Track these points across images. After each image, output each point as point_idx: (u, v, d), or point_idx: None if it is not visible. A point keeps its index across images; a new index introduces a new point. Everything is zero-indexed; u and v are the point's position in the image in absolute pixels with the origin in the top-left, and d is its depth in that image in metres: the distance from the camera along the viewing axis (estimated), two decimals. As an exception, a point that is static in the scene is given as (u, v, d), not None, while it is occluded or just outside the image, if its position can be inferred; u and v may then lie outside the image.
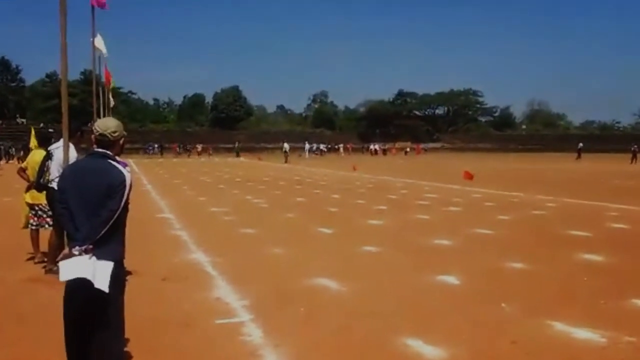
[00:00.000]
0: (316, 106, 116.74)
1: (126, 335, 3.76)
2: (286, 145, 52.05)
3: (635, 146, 48.14)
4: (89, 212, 3.35)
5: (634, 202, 14.70)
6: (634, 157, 46.43)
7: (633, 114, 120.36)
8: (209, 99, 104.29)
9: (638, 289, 6.08)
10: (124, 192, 3.41)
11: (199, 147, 69.73)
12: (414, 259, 7.86)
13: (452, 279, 6.60)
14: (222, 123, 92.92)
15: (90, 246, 3.32)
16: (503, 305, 5.56)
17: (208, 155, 65.30)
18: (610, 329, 4.71)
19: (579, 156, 56.49)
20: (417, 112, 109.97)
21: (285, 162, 45.58)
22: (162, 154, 66.59)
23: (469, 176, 21.28)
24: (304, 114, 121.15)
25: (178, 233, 10.11)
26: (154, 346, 4.45)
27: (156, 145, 70.84)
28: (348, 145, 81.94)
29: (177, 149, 69.57)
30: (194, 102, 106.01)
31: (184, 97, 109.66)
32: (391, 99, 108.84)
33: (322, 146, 78.64)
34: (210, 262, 7.58)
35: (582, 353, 4.29)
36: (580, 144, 60.11)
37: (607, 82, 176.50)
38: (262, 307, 5.47)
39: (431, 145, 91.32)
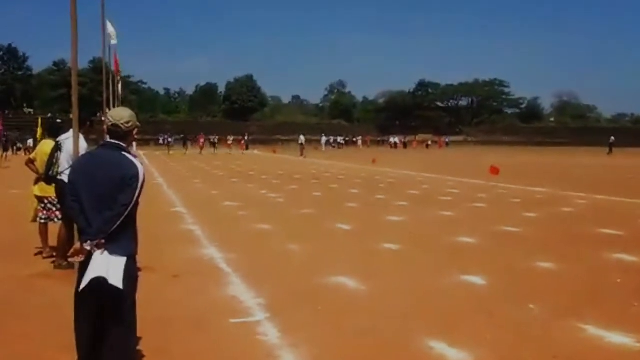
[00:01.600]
0: (333, 97, 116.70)
1: (137, 334, 3.79)
2: (302, 138, 51.89)
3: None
4: (101, 205, 3.38)
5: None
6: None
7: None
8: (221, 89, 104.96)
9: (674, 292, 6.01)
10: (137, 186, 3.43)
11: (230, 139, 62.50)
12: (436, 258, 7.83)
13: (476, 279, 6.57)
14: (235, 114, 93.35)
15: (102, 241, 3.36)
16: (531, 306, 5.52)
17: (242, 149, 57.74)
18: (645, 334, 4.66)
19: (610, 151, 55.86)
20: (439, 104, 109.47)
21: (301, 155, 45.59)
22: (185, 146, 56.13)
23: (495, 171, 21.12)
24: (320, 105, 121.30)
25: (190, 228, 10.18)
26: (165, 346, 4.49)
27: (168, 138, 60.04)
28: (366, 138, 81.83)
29: (201, 141, 55.32)
30: (207, 92, 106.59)
31: (196, 87, 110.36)
32: (412, 90, 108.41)
33: (339, 139, 78.58)
34: (224, 258, 7.62)
35: (615, 359, 4.24)
36: (612, 138, 59.44)
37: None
38: (279, 305, 5.49)
39: (454, 138, 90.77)
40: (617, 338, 4.62)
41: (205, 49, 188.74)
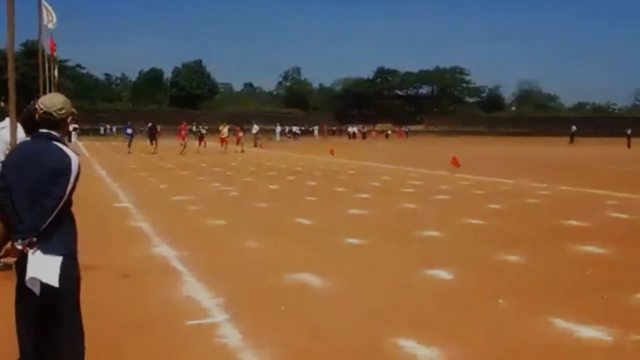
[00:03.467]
0: (288, 84, 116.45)
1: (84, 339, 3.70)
2: (256, 127, 51.35)
3: (630, 131, 49.06)
4: (33, 200, 3.27)
5: (632, 190, 14.99)
6: (629, 140, 47.28)
7: (629, 95, 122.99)
8: (167, 74, 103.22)
9: (642, 283, 6.21)
10: (69, 177, 3.32)
11: (223, 129, 39.15)
12: (402, 252, 7.91)
13: (444, 274, 6.66)
14: (183, 102, 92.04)
15: (35, 239, 3.25)
16: (500, 301, 5.63)
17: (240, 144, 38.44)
18: (616, 327, 4.80)
19: (572, 140, 57.49)
20: (398, 92, 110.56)
21: (255, 146, 45.33)
22: (153, 141, 36.31)
23: (457, 163, 21.46)
24: (274, 93, 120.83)
25: (139, 224, 10.01)
26: (117, 351, 4.41)
27: (128, 129, 40.89)
28: (324, 128, 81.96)
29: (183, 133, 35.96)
30: (151, 78, 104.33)
31: (140, 72, 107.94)
32: (371, 77, 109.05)
33: (295, 128, 78.48)
34: (177, 256, 7.51)
35: (588, 353, 4.36)
36: (574, 127, 61.16)
37: (602, 62, 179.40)
38: (239, 306, 5.45)
39: (414, 127, 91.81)
40: (588, 331, 4.74)
41: (149, 31, 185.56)
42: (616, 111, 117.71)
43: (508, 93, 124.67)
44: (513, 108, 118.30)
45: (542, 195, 14.29)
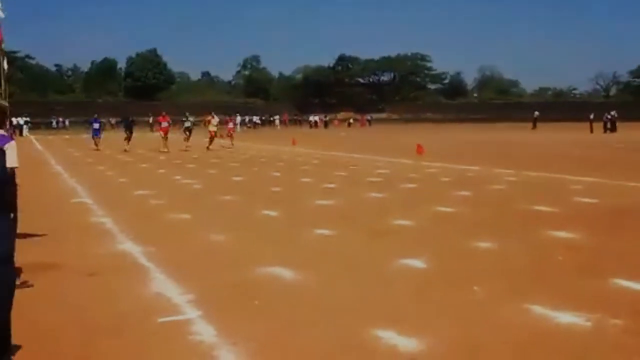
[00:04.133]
0: (247, 73, 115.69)
1: (49, 344, 3.59)
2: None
3: (592, 115, 50.13)
4: None
5: (597, 174, 15.35)
6: (592, 125, 48.33)
7: (590, 79, 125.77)
8: (121, 64, 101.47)
9: (615, 267, 6.35)
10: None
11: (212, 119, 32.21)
12: (372, 242, 7.95)
13: (417, 263, 6.71)
14: (138, 92, 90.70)
15: None
16: (475, 288, 5.70)
17: (229, 138, 32.76)
18: (593, 312, 4.90)
19: (534, 126, 58.49)
20: (360, 80, 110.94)
21: (219, 137, 44.84)
22: (128, 137, 30.15)
23: (422, 151, 21.65)
24: (233, 82, 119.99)
25: (101, 220, 9.84)
26: (85, 354, 4.32)
27: (95, 122, 32.57)
28: (285, 117, 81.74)
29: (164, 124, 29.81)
30: (104, 69, 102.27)
31: (92, 62, 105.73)
32: (331, 65, 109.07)
33: (255, 118, 78.11)
34: (143, 252, 7.41)
35: (567, 339, 4.43)
36: (536, 113, 62.15)
37: (563, 47, 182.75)
38: (211, 301, 5.40)
39: (377, 115, 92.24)
40: (566, 317, 4.82)
41: (102, 20, 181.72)
42: (577, 96, 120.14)
43: (470, 79, 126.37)
44: (475, 94, 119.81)
45: (509, 181, 14.52)
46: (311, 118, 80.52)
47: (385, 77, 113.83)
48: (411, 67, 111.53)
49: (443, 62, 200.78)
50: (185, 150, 28.18)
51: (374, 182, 14.74)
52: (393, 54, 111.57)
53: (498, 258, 7.02)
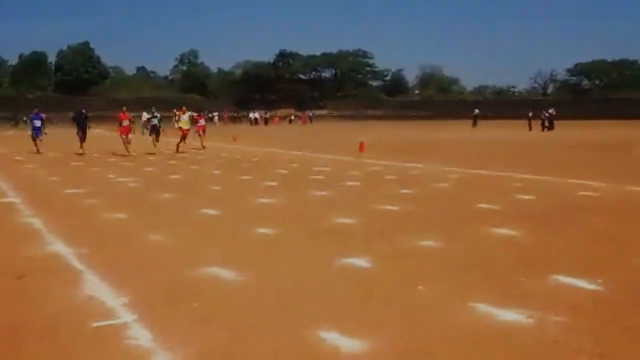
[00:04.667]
0: (184, 68, 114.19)
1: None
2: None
3: (531, 113, 51.64)
4: None
5: (536, 171, 15.78)
6: (530, 123, 49.76)
7: (529, 78, 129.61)
8: (52, 58, 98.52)
9: (556, 264, 6.49)
10: None
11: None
12: (316, 241, 7.91)
13: (361, 262, 6.69)
14: (70, 87, 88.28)
15: None
16: (420, 287, 5.73)
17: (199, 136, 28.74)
18: (535, 309, 4.98)
19: (475, 123, 59.76)
20: (301, 76, 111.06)
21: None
22: (82, 138, 25.21)
23: (365, 148, 21.80)
24: (170, 77, 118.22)
25: (29, 220, 9.48)
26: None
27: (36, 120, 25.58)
28: (224, 114, 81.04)
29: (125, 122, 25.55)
30: (33, 62, 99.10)
31: (20, 56, 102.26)
32: (272, 61, 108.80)
33: (193, 114, 77.09)
34: (75, 254, 7.15)
35: (511, 336, 4.49)
36: (477, 111, 63.54)
37: (502, 45, 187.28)
38: (147, 304, 5.25)
39: (318, 112, 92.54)
40: (509, 315, 4.89)
41: (30, 11, 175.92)
42: (516, 94, 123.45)
43: (411, 76, 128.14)
44: (416, 91, 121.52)
45: (451, 178, 14.74)
46: (251, 115, 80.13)
47: (327, 74, 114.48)
48: (353, 64, 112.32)
49: (385, 59, 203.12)
50: (154, 153, 24.06)
51: (316, 180, 14.73)
52: (334, 50, 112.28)
53: (441, 256, 7.08)
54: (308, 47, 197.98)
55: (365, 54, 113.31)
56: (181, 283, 5.98)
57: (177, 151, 25.04)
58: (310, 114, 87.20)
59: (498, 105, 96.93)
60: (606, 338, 4.38)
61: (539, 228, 8.58)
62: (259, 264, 6.70)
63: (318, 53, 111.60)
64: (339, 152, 23.67)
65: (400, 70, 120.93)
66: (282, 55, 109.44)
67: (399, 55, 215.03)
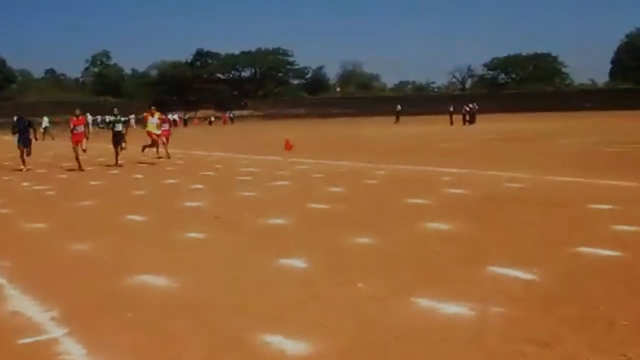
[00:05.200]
0: (96, 70, 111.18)
1: None
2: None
3: (452, 108, 53.05)
4: None
5: (462, 165, 16.17)
6: (452, 118, 51.07)
7: (448, 73, 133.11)
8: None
9: (490, 256, 6.66)
10: None
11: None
12: (249, 243, 7.84)
13: (298, 262, 6.68)
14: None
15: None
16: (359, 285, 5.76)
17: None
18: (475, 301, 5.10)
19: (397, 119, 60.83)
20: (220, 75, 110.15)
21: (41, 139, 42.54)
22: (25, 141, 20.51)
23: (290, 147, 21.82)
24: (81, 79, 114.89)
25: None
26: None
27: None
28: (142, 116, 79.47)
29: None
30: None
31: None
32: (189, 60, 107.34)
33: (107, 118, 75.07)
34: (-7, 268, 6.85)
35: (455, 329, 4.57)
36: (399, 107, 64.68)
37: (421, 42, 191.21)
38: (77, 317, 5.06)
39: (239, 112, 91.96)
40: (451, 308, 4.98)
41: None
42: (436, 90, 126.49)
43: (332, 74, 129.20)
44: (338, 89, 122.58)
45: (380, 175, 14.94)
46: (170, 116, 78.60)
47: (246, 73, 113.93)
48: (272, 62, 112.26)
49: (305, 57, 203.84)
50: (117, 164, 20.40)
51: (243, 181, 14.62)
52: (253, 48, 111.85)
53: (378, 253, 7.15)
54: (226, 46, 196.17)
55: (285, 52, 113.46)
56: (112, 293, 5.80)
57: (142, 152, 22.15)
58: (231, 115, 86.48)
59: (419, 100, 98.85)
60: (548, 328, 4.51)
61: (472, 221, 8.78)
62: (192, 269, 6.58)
63: (237, 52, 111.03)
64: (264, 152, 23.57)
65: (320, 68, 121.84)
66: (200, 54, 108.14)
67: (319, 53, 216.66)
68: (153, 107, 23.82)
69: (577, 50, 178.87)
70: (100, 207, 11.37)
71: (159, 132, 22.86)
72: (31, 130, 20.99)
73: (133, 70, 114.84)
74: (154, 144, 22.78)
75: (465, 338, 4.39)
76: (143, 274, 6.33)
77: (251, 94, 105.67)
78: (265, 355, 4.24)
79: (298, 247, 7.35)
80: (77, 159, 19.27)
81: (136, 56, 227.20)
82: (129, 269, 6.53)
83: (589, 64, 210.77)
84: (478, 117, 52.84)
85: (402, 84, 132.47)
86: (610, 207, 9.36)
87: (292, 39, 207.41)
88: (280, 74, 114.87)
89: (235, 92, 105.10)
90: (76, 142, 19.55)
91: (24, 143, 20.05)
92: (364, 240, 7.69)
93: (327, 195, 11.83)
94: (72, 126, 20.11)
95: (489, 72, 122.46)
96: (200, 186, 13.87)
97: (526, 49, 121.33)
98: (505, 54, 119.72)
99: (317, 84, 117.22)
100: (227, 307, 5.28)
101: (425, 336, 4.46)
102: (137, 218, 9.86)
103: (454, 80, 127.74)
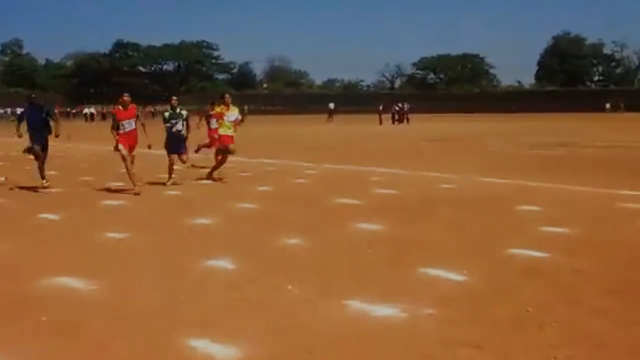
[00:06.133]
0: (7, 59, 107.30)
1: None
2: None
3: (382, 107, 53.84)
4: None
5: (391, 165, 16.41)
6: (381, 117, 51.79)
7: (377, 72, 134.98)
8: None
9: (421, 257, 6.77)
10: None
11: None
12: (174, 243, 7.71)
13: (225, 263, 6.61)
14: None
15: None
16: (289, 287, 5.74)
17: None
18: (407, 302, 5.16)
19: (330, 117, 61.15)
20: (141, 68, 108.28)
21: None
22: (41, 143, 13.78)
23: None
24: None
25: None
26: None
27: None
28: (58, 109, 77.12)
29: None
30: None
31: None
32: (108, 52, 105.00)
33: (19, 110, 72.69)
34: None
35: (387, 332, 4.61)
36: (332, 105, 64.91)
37: (350, 39, 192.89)
38: (-14, 322, 4.86)
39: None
40: (383, 310, 5.03)
41: None
42: (365, 88, 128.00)
43: (259, 69, 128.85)
44: (265, 85, 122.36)
45: (309, 174, 14.99)
46: (86, 110, 76.96)
47: (169, 66, 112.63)
48: (197, 56, 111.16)
49: (231, 52, 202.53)
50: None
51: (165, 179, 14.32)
52: (176, 41, 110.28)
53: (308, 254, 7.15)
54: (147, 37, 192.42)
55: (209, 46, 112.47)
56: (26, 296, 5.59)
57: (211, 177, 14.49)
58: (152, 110, 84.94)
59: (349, 99, 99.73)
60: (480, 329, 4.62)
61: (403, 222, 8.92)
62: (113, 271, 6.42)
63: (159, 44, 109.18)
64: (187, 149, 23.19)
65: (247, 63, 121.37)
66: (119, 45, 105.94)
67: (245, 47, 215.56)
68: (227, 96, 16.26)
69: (505, 51, 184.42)
70: (9, 205, 10.97)
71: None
72: (51, 122, 14.12)
73: (47, 60, 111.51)
74: (212, 145, 17.42)
75: (397, 341, 4.44)
76: (59, 275, 6.13)
77: (174, 88, 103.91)
78: (191, 359, 4.18)
79: (225, 248, 7.28)
80: (128, 170, 12.85)
81: (50, 46, 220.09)
82: (44, 271, 6.32)
83: (516, 65, 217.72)
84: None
85: (330, 82, 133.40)
86: (538, 208, 9.69)
87: (218, 32, 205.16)
88: (204, 68, 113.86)
89: (157, 86, 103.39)
90: (125, 144, 13.02)
91: (41, 143, 13.52)
92: (293, 241, 7.68)
93: (255, 194, 11.80)
94: (118, 120, 13.51)
95: (418, 71, 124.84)
96: (120, 184, 13.48)
97: (455, 50, 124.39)
98: (434, 54, 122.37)
99: (243, 79, 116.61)
100: (151, 310, 5.17)
101: (357, 339, 4.49)
102: (52, 217, 9.54)
103: (383, 79, 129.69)
